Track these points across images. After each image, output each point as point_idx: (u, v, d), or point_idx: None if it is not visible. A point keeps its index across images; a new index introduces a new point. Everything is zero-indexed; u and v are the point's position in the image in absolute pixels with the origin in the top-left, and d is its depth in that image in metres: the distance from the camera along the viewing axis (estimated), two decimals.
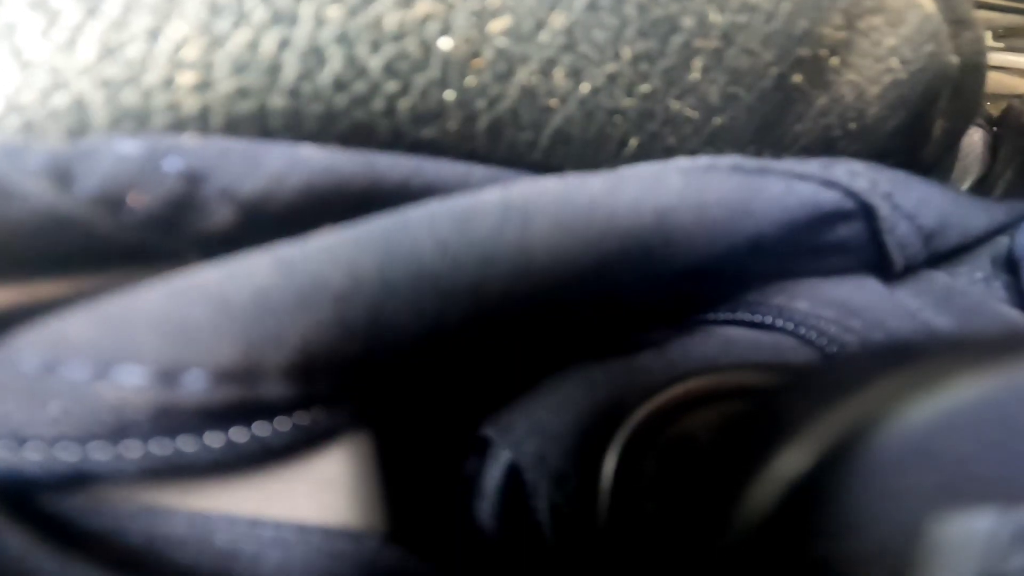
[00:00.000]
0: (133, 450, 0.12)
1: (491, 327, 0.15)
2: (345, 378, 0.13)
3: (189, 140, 0.13)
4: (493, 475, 0.16)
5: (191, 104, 0.14)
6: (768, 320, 0.18)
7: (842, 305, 0.18)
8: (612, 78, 0.16)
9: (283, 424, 0.13)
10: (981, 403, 0.09)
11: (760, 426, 0.11)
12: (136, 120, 0.14)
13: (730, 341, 0.17)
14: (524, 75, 0.15)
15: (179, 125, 0.14)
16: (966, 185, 0.27)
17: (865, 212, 0.17)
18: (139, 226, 0.13)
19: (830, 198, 0.17)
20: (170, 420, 0.12)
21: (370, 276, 0.13)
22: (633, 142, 0.17)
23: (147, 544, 0.13)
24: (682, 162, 0.17)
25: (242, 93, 0.14)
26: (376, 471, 0.15)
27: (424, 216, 0.13)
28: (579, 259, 0.14)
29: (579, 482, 0.15)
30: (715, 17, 0.16)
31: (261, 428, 0.13)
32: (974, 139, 0.27)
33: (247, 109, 0.14)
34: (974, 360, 0.10)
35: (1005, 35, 0.30)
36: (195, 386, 0.12)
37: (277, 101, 0.14)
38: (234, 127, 0.14)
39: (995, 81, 0.26)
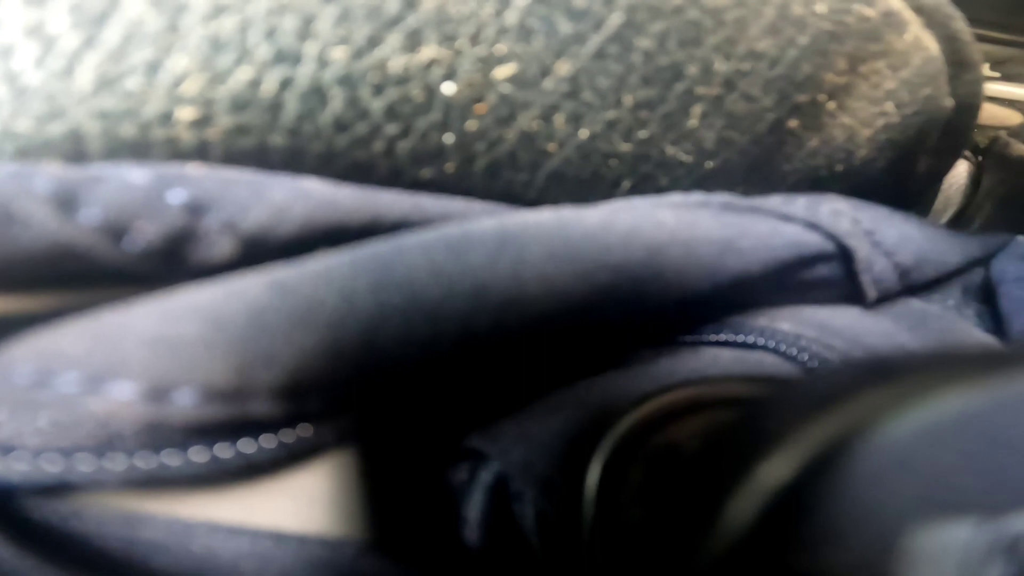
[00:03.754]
0: (117, 463, 0.13)
1: (481, 351, 0.15)
2: (334, 398, 0.13)
3: (194, 170, 0.13)
4: (479, 484, 0.16)
5: (189, 139, 0.14)
6: (751, 339, 0.18)
7: (822, 326, 0.18)
8: (611, 124, 0.16)
9: (269, 441, 0.13)
10: (963, 416, 0.09)
11: (744, 436, 0.11)
12: (134, 153, 0.13)
13: (716, 357, 0.18)
14: (525, 121, 0.15)
15: (177, 159, 0.14)
16: (946, 217, 0.27)
17: (843, 254, 0.18)
18: (139, 256, 0.13)
19: (812, 240, 0.17)
20: (157, 435, 0.12)
21: (364, 300, 0.13)
22: (626, 183, 0.17)
23: (126, 548, 0.14)
24: (675, 197, 0.17)
25: (242, 130, 0.14)
26: (361, 482, 0.15)
27: (420, 242, 0.14)
28: (571, 290, 0.14)
29: (565, 490, 0.15)
30: (720, 65, 0.16)
31: (246, 445, 0.13)
32: (958, 171, 0.27)
33: (247, 146, 0.14)
34: (957, 374, 0.10)
35: (1002, 62, 0.30)
36: (185, 403, 0.12)
37: (277, 139, 0.14)
38: (233, 163, 0.14)
39: (986, 112, 0.26)
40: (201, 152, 0.14)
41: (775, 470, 0.10)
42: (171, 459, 0.13)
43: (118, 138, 0.13)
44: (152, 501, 0.14)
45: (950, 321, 0.20)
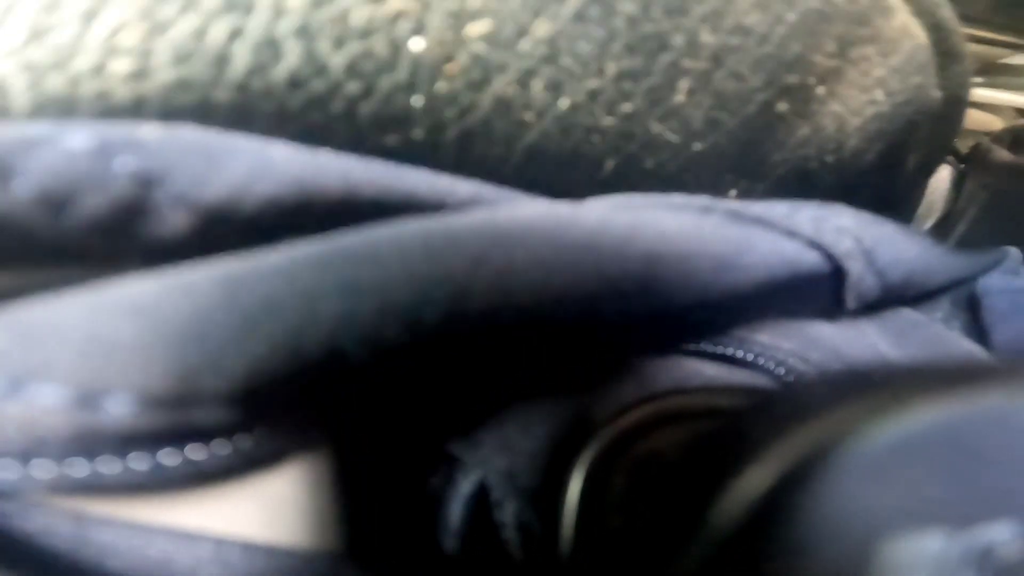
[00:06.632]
0: (45, 470, 0.11)
1: (460, 358, 0.14)
2: (295, 404, 0.12)
3: (149, 133, 0.11)
4: (459, 493, 0.15)
5: (123, 94, 0.12)
6: (730, 351, 0.17)
7: (801, 336, 0.17)
8: (593, 95, 0.15)
9: (222, 447, 0.12)
10: (937, 429, 0.10)
11: (726, 445, 0.11)
12: (60, 108, 0.12)
13: (696, 367, 0.17)
14: (500, 85, 0.14)
15: (108, 115, 0.12)
16: (930, 222, 0.27)
17: (837, 274, 0.17)
18: (83, 231, 0.11)
19: (811, 260, 0.16)
20: (89, 443, 0.11)
21: (329, 305, 0.11)
22: (609, 163, 0.16)
23: (75, 550, 0.12)
24: (678, 198, 0.16)
25: (183, 85, 0.12)
26: (334, 489, 0.14)
27: (395, 239, 0.12)
28: (560, 301, 0.13)
29: (547, 499, 0.14)
30: (707, 38, 0.15)
31: (196, 451, 0.12)
32: (941, 175, 0.27)
33: (187, 102, 0.12)
34: (932, 387, 0.10)
35: (985, 71, 0.29)
36: (118, 410, 0.11)
37: (222, 96, 0.12)
38: (171, 121, 0.12)
39: (968, 117, 0.25)
40: (135, 108, 0.12)
41: (756, 479, 0.10)
42: (107, 467, 0.11)
43: (44, 92, 0.12)
44: (105, 503, 0.12)
45: (938, 331, 0.20)
